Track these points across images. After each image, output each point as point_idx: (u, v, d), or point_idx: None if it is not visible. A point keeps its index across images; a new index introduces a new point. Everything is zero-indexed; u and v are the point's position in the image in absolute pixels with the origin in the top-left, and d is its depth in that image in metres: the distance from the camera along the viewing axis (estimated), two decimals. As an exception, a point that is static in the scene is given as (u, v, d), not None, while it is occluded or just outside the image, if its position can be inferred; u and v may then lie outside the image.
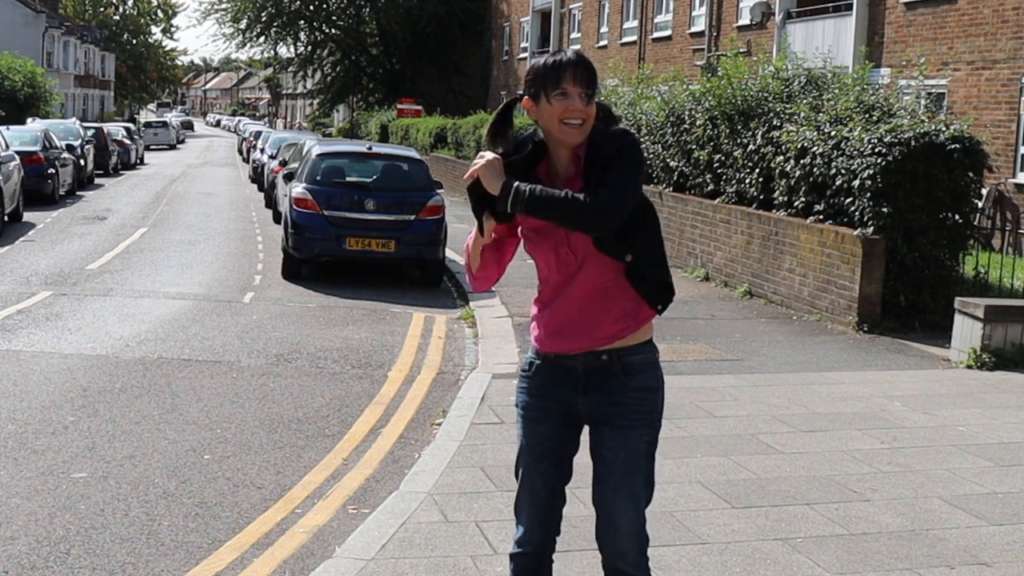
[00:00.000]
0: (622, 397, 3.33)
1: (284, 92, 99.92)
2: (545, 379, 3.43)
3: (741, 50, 19.45)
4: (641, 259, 3.28)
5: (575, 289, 3.32)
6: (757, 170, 12.82)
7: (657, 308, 3.35)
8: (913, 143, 10.34)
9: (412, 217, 13.67)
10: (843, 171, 10.90)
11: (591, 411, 3.37)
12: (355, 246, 13.50)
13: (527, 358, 3.51)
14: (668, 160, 15.46)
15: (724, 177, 13.78)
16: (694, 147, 14.52)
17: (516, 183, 3.19)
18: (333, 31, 55.99)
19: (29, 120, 32.13)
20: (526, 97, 3.31)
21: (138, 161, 43.12)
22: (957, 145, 10.38)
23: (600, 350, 3.32)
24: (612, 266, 3.28)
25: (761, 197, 12.81)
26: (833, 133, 11.19)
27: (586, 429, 3.45)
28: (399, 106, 44.00)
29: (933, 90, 17.86)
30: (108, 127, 39.71)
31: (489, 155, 3.26)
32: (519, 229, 3.40)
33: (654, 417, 3.38)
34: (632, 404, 3.33)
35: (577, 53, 3.31)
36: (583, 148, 3.28)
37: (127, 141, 40.74)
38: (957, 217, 10.73)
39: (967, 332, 9.39)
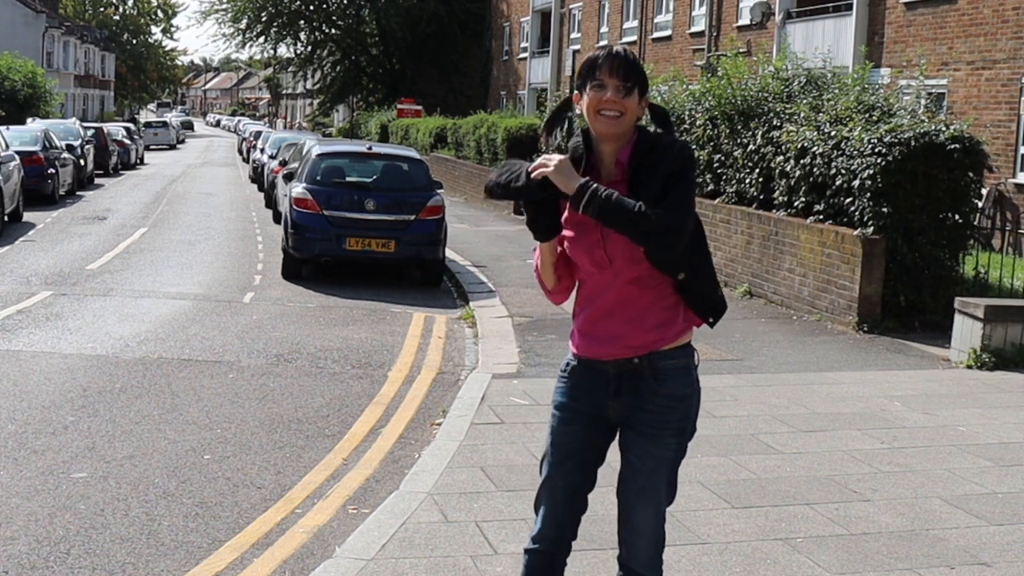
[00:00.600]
0: (650, 404, 3.31)
1: (284, 92, 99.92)
2: (579, 381, 3.41)
3: (741, 50, 19.45)
4: (692, 276, 3.28)
5: (609, 294, 3.31)
6: (757, 170, 12.83)
7: (708, 321, 3.35)
8: (913, 143, 10.34)
9: (412, 217, 13.67)
10: (843, 171, 10.90)
11: (620, 415, 3.36)
12: (355, 246, 13.50)
13: (565, 359, 3.49)
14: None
15: (724, 177, 13.78)
16: (694, 147, 14.51)
17: (593, 184, 3.15)
18: (333, 31, 56.00)
19: (29, 120, 32.13)
20: (576, 92, 3.32)
21: (138, 161, 43.12)
22: (957, 145, 10.38)
23: (633, 354, 3.31)
24: (648, 273, 3.26)
25: (761, 197, 12.81)
26: (833, 133, 11.19)
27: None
28: (399, 106, 44.00)
29: (933, 90, 17.86)
30: (108, 127, 39.71)
31: (556, 157, 3.21)
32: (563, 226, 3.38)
33: (684, 425, 3.36)
34: (660, 411, 3.31)
35: (621, 47, 3.31)
36: (627, 152, 3.26)
37: (127, 141, 40.74)
38: (957, 217, 10.73)
39: (967, 332, 9.39)
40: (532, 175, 3.21)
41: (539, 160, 3.23)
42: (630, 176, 3.23)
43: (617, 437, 3.43)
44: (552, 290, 3.46)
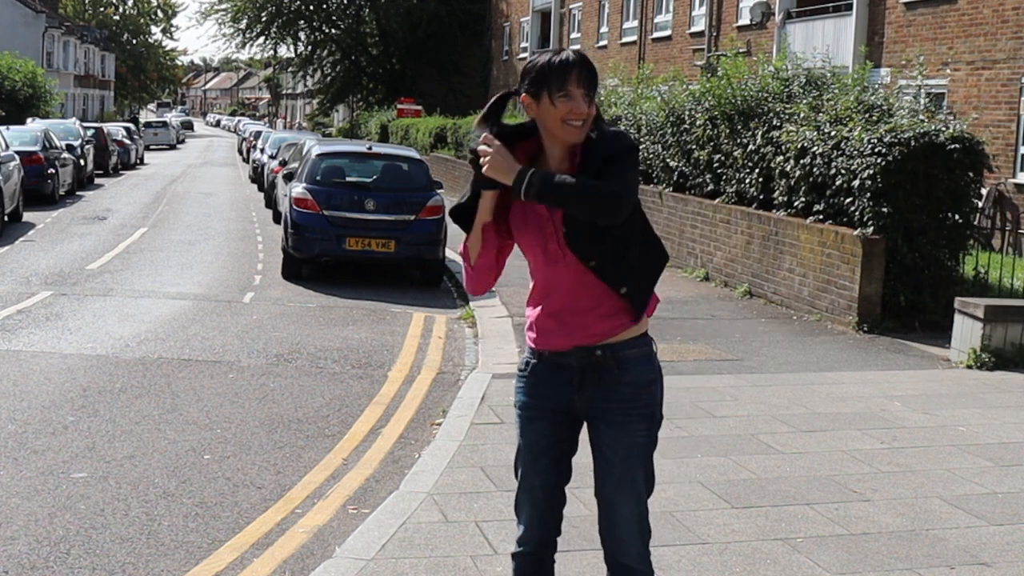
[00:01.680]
0: (616, 392, 3.33)
1: (284, 92, 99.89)
2: (541, 378, 3.44)
3: (741, 50, 19.45)
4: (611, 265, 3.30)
5: (564, 286, 3.33)
6: (757, 170, 12.82)
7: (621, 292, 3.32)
8: (913, 143, 10.34)
9: (412, 217, 13.68)
10: (843, 171, 10.90)
11: (586, 407, 3.38)
12: (355, 246, 13.50)
13: (523, 358, 3.52)
14: (668, 160, 15.46)
15: (724, 177, 13.77)
16: (694, 147, 14.52)
17: (530, 170, 3.18)
18: (333, 31, 55.96)
19: (29, 120, 32.12)
20: (524, 94, 3.31)
21: (138, 161, 43.12)
22: (957, 145, 10.38)
23: (594, 346, 3.33)
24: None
25: (761, 197, 12.81)
26: (833, 133, 11.19)
27: (586, 426, 3.46)
28: (399, 106, 43.98)
29: (933, 90, 17.86)
30: (108, 127, 39.71)
31: (496, 143, 3.22)
32: (510, 224, 3.39)
33: (651, 411, 3.38)
34: (627, 399, 3.33)
35: (579, 53, 3.32)
36: (580, 145, 3.29)
37: (127, 141, 40.74)
38: (957, 217, 10.73)
39: (967, 332, 9.39)
40: (481, 171, 3.22)
41: (481, 148, 3.22)
42: (582, 167, 3.26)
43: (587, 433, 3.44)
44: (475, 265, 3.43)
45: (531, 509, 3.49)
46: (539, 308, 3.40)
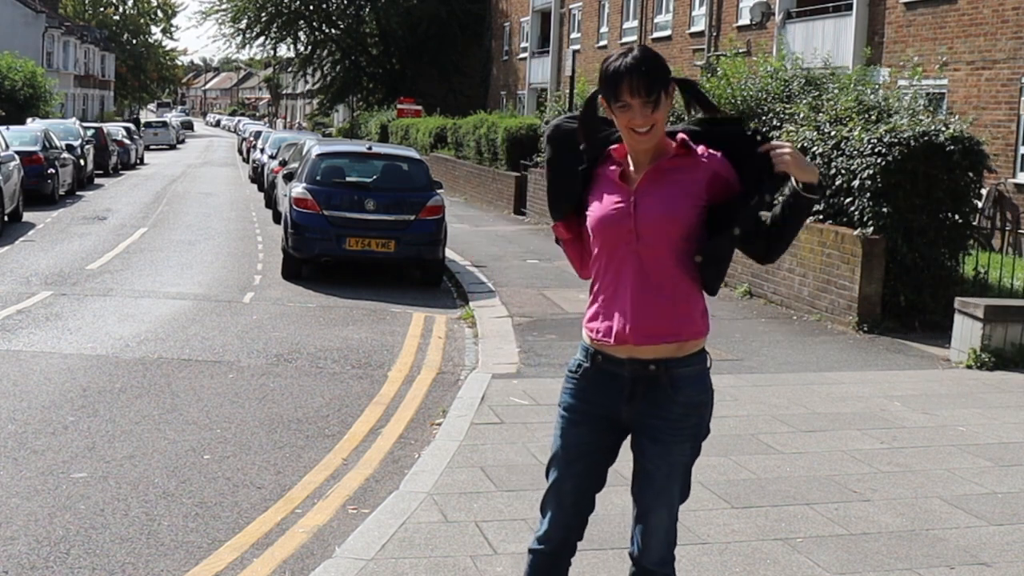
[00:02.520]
0: (667, 412, 3.27)
1: (284, 92, 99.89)
2: (591, 382, 3.35)
3: (741, 50, 19.46)
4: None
5: (631, 282, 3.24)
6: (757, 170, 12.81)
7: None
8: (912, 143, 10.34)
9: (412, 217, 13.67)
10: (843, 171, 10.91)
11: (635, 420, 3.32)
12: (355, 246, 13.50)
13: (575, 359, 3.42)
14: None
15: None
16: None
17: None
18: (333, 31, 55.97)
19: (29, 120, 32.12)
20: (601, 96, 3.25)
21: (138, 161, 43.11)
22: (957, 145, 10.38)
23: (648, 360, 3.25)
24: (673, 263, 3.22)
25: (761, 197, 12.79)
26: (833, 133, 11.19)
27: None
28: (399, 106, 43.98)
29: (933, 90, 17.86)
30: (108, 127, 39.70)
31: (787, 145, 3.21)
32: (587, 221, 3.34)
33: (698, 432, 3.33)
34: (676, 419, 3.27)
35: (636, 57, 3.17)
36: (679, 142, 3.24)
37: (127, 141, 40.72)
38: (957, 217, 10.74)
39: (967, 332, 9.39)
40: (776, 167, 3.18)
41: (775, 146, 3.19)
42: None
43: (629, 439, 3.40)
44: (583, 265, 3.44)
45: (557, 511, 3.42)
46: (598, 303, 3.32)
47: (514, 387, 7.98)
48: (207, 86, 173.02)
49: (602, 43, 35.81)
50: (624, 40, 34.04)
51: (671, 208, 3.20)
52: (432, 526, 5.18)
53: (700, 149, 3.26)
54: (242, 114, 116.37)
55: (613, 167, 3.32)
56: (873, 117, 11.17)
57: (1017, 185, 17.11)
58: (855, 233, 10.61)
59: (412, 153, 15.67)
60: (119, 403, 7.61)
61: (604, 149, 3.35)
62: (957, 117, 11.44)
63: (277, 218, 19.22)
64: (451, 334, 10.78)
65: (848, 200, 10.89)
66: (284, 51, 60.97)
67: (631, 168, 3.29)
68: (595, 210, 3.29)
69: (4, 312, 10.76)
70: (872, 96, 11.88)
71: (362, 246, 13.50)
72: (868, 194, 10.56)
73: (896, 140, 10.40)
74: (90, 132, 33.25)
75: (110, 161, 35.79)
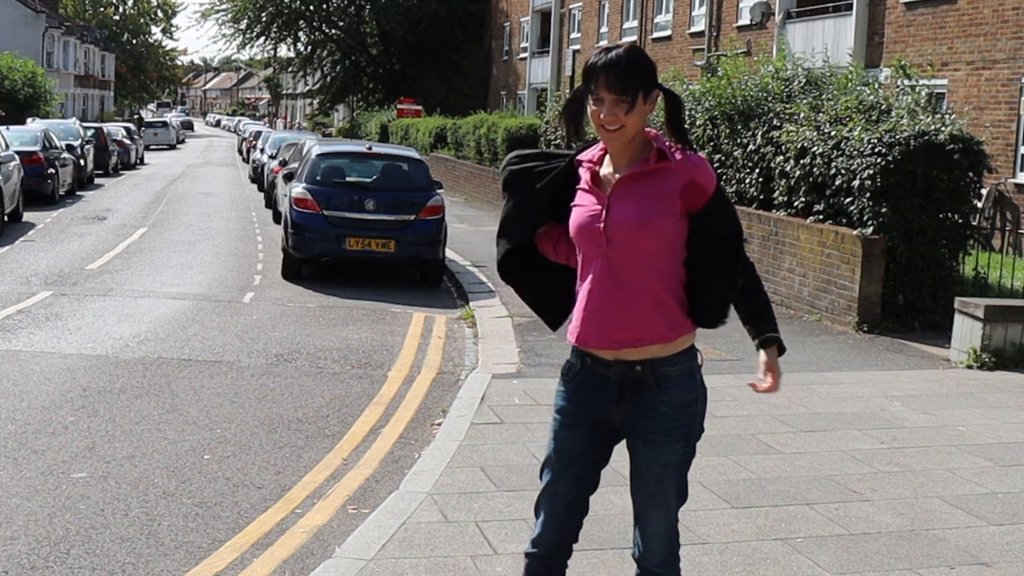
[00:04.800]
0: (654, 411, 3.27)
1: (284, 92, 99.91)
2: (581, 385, 3.36)
3: (741, 50, 19.45)
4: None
5: (598, 286, 3.25)
6: (757, 170, 12.83)
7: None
8: (912, 143, 10.34)
9: (412, 217, 13.68)
10: (843, 171, 10.91)
11: (625, 422, 3.32)
12: (355, 246, 13.50)
13: (567, 362, 3.43)
14: (668, 160, 15.44)
15: (724, 177, 13.76)
16: (694, 147, 14.50)
17: (769, 334, 3.44)
18: (333, 31, 55.98)
19: (29, 120, 32.11)
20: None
21: (138, 161, 43.11)
22: (957, 145, 10.38)
23: (634, 361, 3.25)
24: (641, 269, 3.21)
25: (761, 197, 12.81)
26: (833, 133, 11.19)
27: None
28: (399, 106, 43.98)
29: (933, 90, 17.86)
30: (108, 127, 39.70)
31: (770, 379, 3.40)
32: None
33: (690, 431, 3.32)
34: (665, 419, 3.27)
35: (618, 54, 3.16)
36: (655, 154, 3.23)
37: (127, 141, 40.72)
38: (957, 217, 10.74)
39: (967, 332, 9.39)
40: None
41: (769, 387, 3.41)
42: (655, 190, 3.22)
43: (624, 440, 3.40)
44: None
45: (550, 514, 3.43)
46: (580, 302, 3.32)
47: (514, 387, 7.98)
48: (207, 86, 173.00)
49: (602, 43, 35.79)
50: (624, 40, 34.05)
51: (643, 215, 3.18)
52: (432, 526, 5.18)
53: (678, 155, 3.24)
54: (242, 114, 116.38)
55: (589, 171, 3.31)
56: (873, 117, 11.17)
57: (1017, 185, 17.11)
58: (855, 233, 10.61)
59: (412, 153, 15.68)
60: (119, 403, 7.61)
61: (577, 158, 3.33)
62: (954, 116, 11.40)
63: (277, 218, 19.22)
64: (451, 334, 10.78)
65: (848, 200, 10.89)
66: (284, 51, 61.02)
67: (609, 170, 3.28)
68: (573, 217, 3.30)
69: (4, 312, 10.76)
70: (872, 96, 11.86)
71: (362, 246, 13.50)
72: (868, 194, 10.56)
73: (896, 140, 10.40)
74: (90, 132, 33.24)
75: (110, 161, 35.79)
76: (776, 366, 3.37)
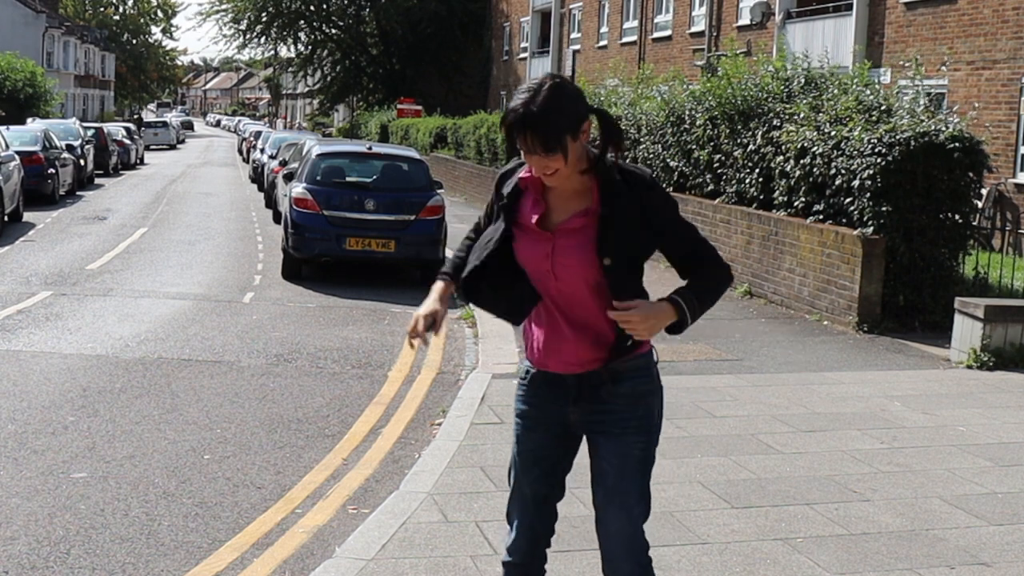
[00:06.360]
0: (611, 404, 3.28)
1: (284, 92, 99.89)
2: (539, 388, 3.40)
3: (741, 50, 19.45)
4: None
5: (548, 314, 3.31)
6: (757, 170, 12.83)
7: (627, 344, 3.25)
8: (913, 143, 10.34)
9: (412, 217, 13.68)
10: (843, 171, 10.91)
11: (582, 420, 3.34)
12: (355, 246, 13.50)
13: (523, 366, 3.48)
14: (668, 160, 15.47)
15: (724, 177, 13.77)
16: (694, 147, 14.53)
17: (683, 303, 3.17)
18: (333, 31, 56.01)
19: (29, 120, 32.12)
20: None
21: (138, 161, 43.12)
22: (957, 145, 10.38)
23: (593, 370, 3.28)
24: (590, 297, 3.22)
25: (761, 197, 12.81)
26: (833, 133, 11.19)
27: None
28: (399, 106, 44.01)
29: (933, 90, 17.86)
30: (108, 127, 39.71)
31: (636, 306, 3.11)
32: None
33: (648, 424, 3.31)
34: (622, 411, 3.28)
35: (537, 109, 3.03)
36: (596, 184, 3.18)
37: (127, 141, 40.74)
38: (957, 217, 10.73)
39: (967, 332, 9.39)
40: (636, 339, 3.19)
41: (620, 315, 3.13)
42: (608, 222, 3.16)
43: (586, 445, 3.41)
44: None
45: (521, 518, 3.47)
46: (532, 325, 3.38)
47: (514, 387, 7.95)
48: (207, 86, 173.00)
49: (602, 43, 35.82)
50: (624, 40, 34.06)
51: (588, 254, 3.18)
52: (432, 526, 5.18)
53: (620, 184, 3.18)
54: (242, 114, 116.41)
55: (532, 208, 3.26)
56: (873, 117, 11.17)
57: (1017, 185, 17.11)
58: (855, 233, 10.61)
59: (412, 153, 15.68)
60: (119, 403, 7.61)
61: (517, 180, 3.31)
62: (957, 117, 11.40)
63: (277, 218, 19.22)
64: (451, 334, 10.78)
65: (848, 200, 10.89)
66: (284, 51, 61.03)
67: (550, 202, 3.25)
68: (519, 248, 3.29)
69: (4, 312, 10.76)
70: (872, 96, 11.86)
71: (362, 246, 13.50)
72: (868, 194, 10.56)
73: (896, 140, 10.39)
74: (90, 132, 33.26)
75: (110, 161, 35.80)
76: (649, 309, 3.12)
